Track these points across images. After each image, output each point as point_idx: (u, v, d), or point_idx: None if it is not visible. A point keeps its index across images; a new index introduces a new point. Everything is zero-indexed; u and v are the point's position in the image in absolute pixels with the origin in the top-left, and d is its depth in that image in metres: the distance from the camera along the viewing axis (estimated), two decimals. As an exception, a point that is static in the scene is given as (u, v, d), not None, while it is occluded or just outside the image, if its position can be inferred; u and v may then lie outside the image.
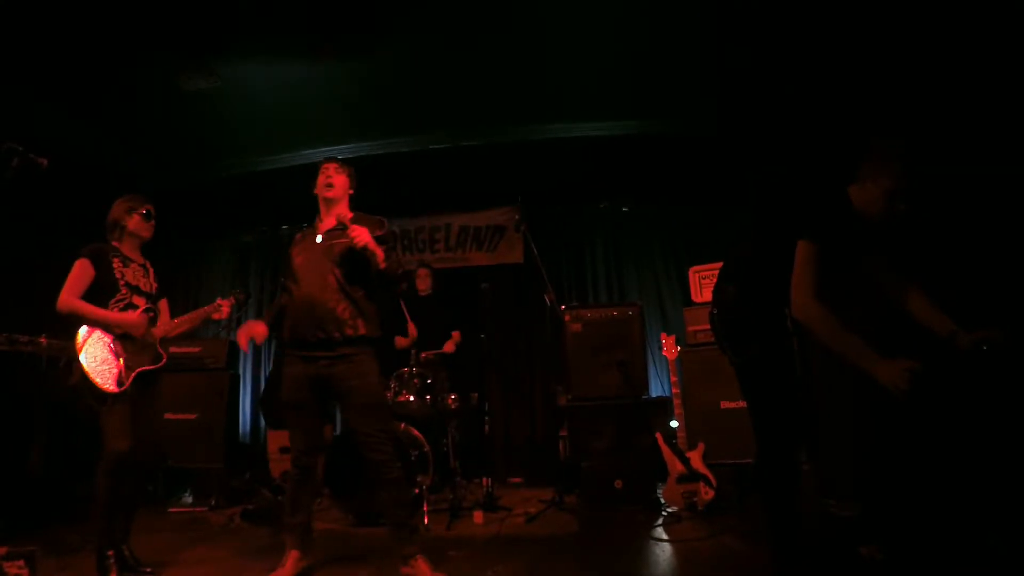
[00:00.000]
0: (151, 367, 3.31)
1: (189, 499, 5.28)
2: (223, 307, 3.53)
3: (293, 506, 3.20)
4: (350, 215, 3.18)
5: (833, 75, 4.95)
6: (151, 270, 3.53)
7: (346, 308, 3.14)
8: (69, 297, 3.19)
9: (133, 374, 3.21)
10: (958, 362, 2.45)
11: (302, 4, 4.36)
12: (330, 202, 3.35)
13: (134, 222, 3.44)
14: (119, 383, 3.14)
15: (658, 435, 4.57)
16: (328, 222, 3.34)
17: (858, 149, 2.59)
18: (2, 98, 5.00)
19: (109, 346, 3.20)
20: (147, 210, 3.48)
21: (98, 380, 3.09)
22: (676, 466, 4.39)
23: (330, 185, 3.32)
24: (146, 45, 4.61)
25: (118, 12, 4.25)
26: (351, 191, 3.41)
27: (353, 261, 3.18)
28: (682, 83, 5.43)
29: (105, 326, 3.22)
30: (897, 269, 2.67)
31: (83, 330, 3.16)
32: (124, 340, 3.26)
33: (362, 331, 3.16)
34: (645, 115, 5.99)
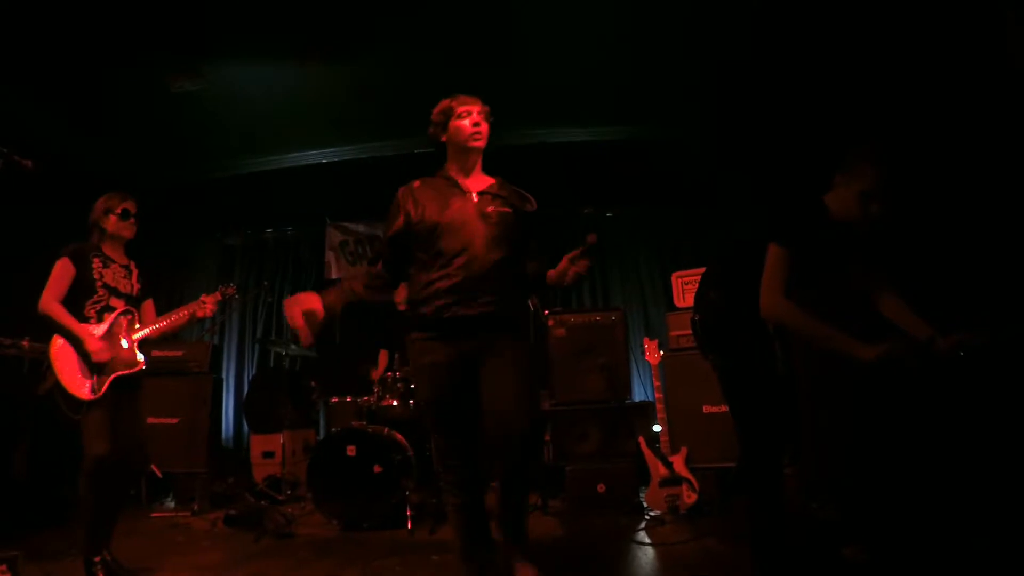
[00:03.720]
0: (127, 372, 3.20)
1: (171, 503, 5.24)
2: (207, 303, 3.41)
3: (470, 545, 2.62)
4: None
5: (820, 81, 4.97)
6: (135, 271, 3.44)
7: (509, 283, 2.67)
8: (49, 300, 3.12)
9: (108, 379, 3.11)
10: (937, 365, 2.50)
11: (291, 8, 4.36)
12: (472, 153, 2.81)
13: (111, 223, 3.31)
14: (93, 390, 3.07)
15: (641, 439, 4.59)
16: (478, 180, 2.83)
17: (841, 154, 2.63)
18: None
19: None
20: (123, 209, 3.33)
21: (71, 387, 3.04)
22: (659, 470, 4.41)
23: (478, 134, 2.75)
24: (136, 46, 4.59)
25: (111, 12, 4.23)
26: None
27: (518, 231, 2.76)
28: (667, 89, 5.47)
29: (69, 338, 3.12)
30: (876, 273, 2.71)
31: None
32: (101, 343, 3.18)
33: (521, 314, 2.79)
34: (629, 121, 6.03)
